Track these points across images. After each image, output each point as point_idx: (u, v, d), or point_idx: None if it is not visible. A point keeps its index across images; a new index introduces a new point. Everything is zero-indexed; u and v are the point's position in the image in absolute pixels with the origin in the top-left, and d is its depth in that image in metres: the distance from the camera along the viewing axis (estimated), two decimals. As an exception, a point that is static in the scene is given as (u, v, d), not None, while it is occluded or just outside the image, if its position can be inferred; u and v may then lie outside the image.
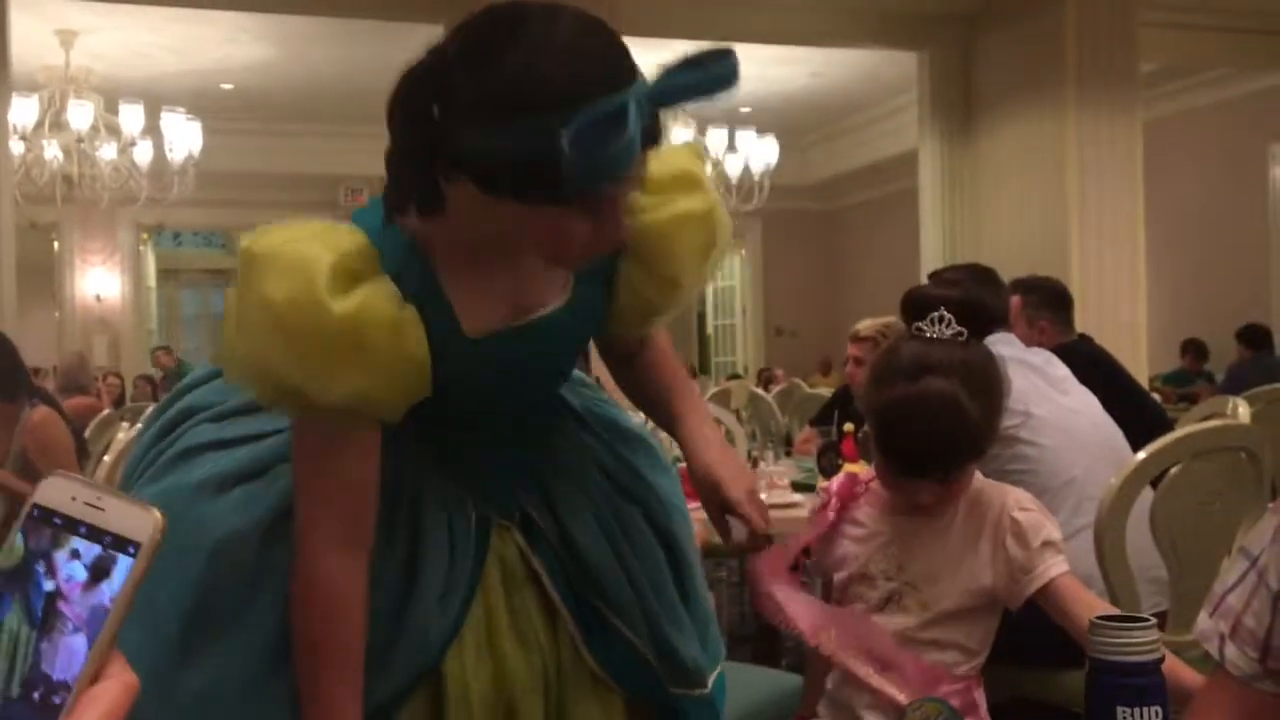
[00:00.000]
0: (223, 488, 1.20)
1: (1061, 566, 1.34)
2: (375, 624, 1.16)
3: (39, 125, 7.26)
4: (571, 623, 1.28)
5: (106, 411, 5.11)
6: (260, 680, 1.14)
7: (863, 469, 1.56)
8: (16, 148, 6.55)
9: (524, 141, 1.02)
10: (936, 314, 1.39)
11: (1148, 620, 0.66)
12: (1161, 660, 0.66)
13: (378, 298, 1.09)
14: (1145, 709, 0.63)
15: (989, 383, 1.38)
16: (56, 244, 11.19)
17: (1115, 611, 0.64)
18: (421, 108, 1.07)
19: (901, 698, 1.32)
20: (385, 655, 1.16)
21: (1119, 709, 0.63)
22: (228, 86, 8.28)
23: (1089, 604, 1.32)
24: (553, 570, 1.29)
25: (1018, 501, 1.39)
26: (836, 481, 1.52)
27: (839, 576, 1.45)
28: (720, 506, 1.31)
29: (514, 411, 1.28)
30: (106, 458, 2.30)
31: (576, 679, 1.27)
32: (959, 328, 1.38)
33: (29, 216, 8.11)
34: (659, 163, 1.19)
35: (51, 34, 7.21)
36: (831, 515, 1.47)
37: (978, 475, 1.44)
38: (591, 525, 1.32)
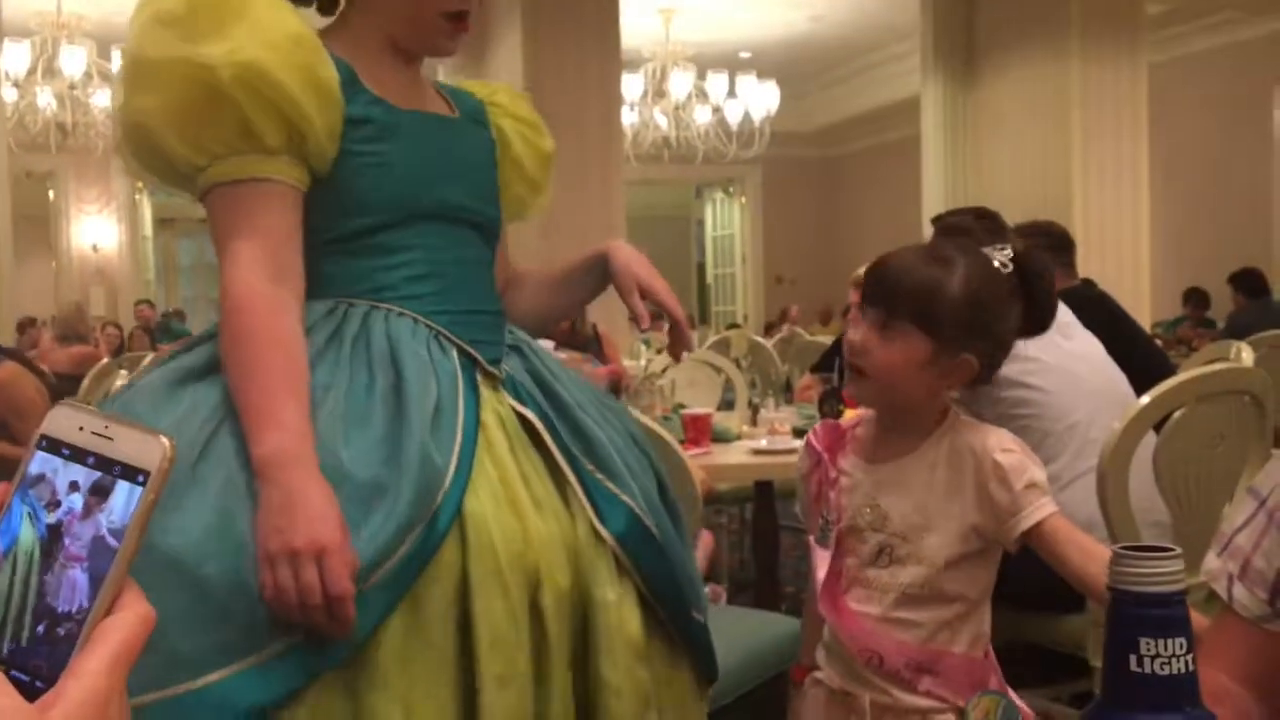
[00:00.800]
0: (182, 382, 1.20)
1: (1049, 508, 1.32)
2: (373, 463, 1.13)
3: (31, 72, 7.19)
4: (580, 491, 1.25)
5: (105, 360, 5.09)
6: (237, 533, 1.09)
7: (860, 413, 1.53)
8: (9, 95, 6.49)
9: None
10: (1005, 253, 1.39)
11: (1171, 550, 0.65)
12: (1186, 592, 0.65)
13: None
14: (1170, 640, 0.61)
15: (989, 300, 1.36)
16: (52, 193, 11.13)
17: (1109, 550, 0.63)
18: None
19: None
20: (396, 493, 1.12)
21: (1142, 640, 0.61)
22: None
23: (1080, 545, 1.30)
24: (550, 427, 1.28)
25: (999, 443, 1.36)
26: (819, 434, 1.49)
27: (837, 527, 1.44)
28: (639, 295, 1.39)
29: (444, 212, 1.31)
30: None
31: (595, 561, 1.23)
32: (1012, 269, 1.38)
33: (24, 165, 8.05)
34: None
35: (42, -21, 7.12)
36: (816, 476, 1.45)
37: (959, 418, 1.42)
38: (576, 394, 1.33)
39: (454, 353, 1.26)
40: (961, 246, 1.39)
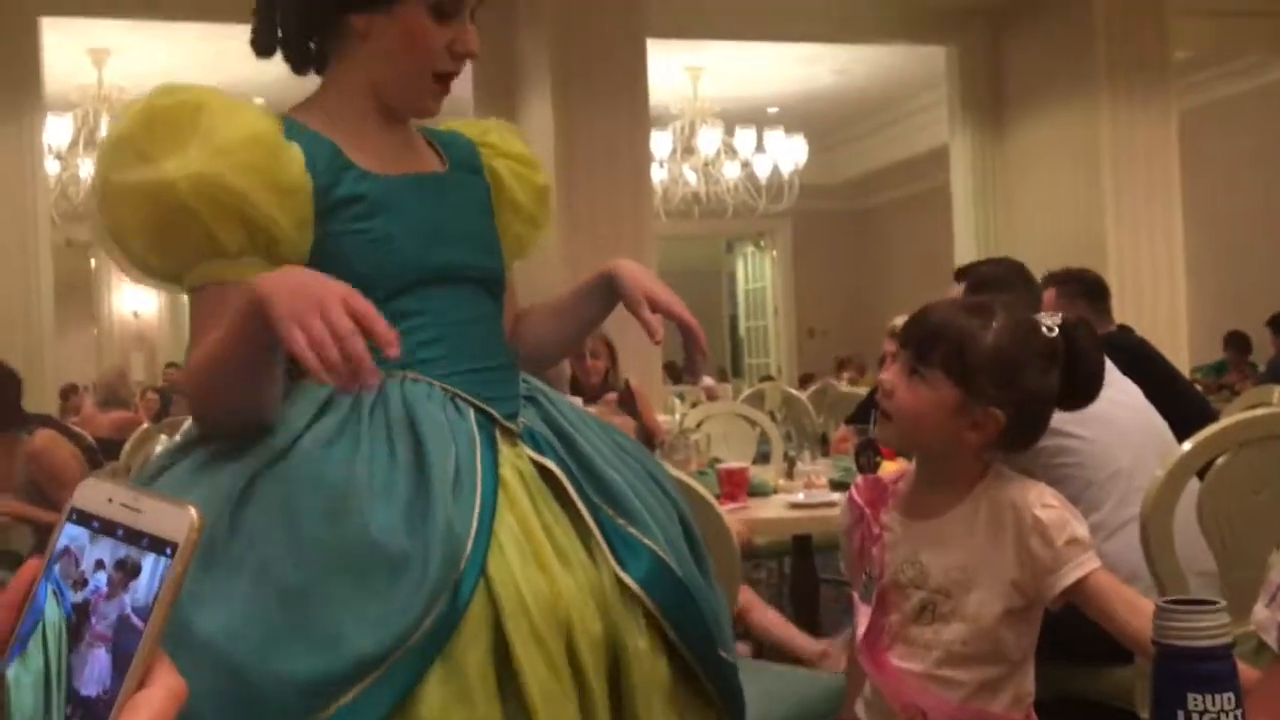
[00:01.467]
0: (206, 466, 1.21)
1: (1091, 564, 1.30)
2: (401, 533, 1.14)
3: (73, 144, 7.35)
4: (603, 540, 1.25)
5: (145, 426, 5.15)
6: (269, 616, 1.10)
7: (899, 466, 1.53)
8: (52, 167, 6.64)
9: None
10: (1055, 318, 1.40)
11: (1216, 603, 0.64)
12: (1233, 645, 0.64)
13: (214, 93, 1.23)
14: (1218, 695, 0.61)
15: (1020, 356, 1.36)
16: (93, 261, 11.32)
17: (1153, 606, 0.62)
18: None
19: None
20: (424, 562, 1.12)
21: (1189, 696, 0.60)
22: (260, 100, 8.34)
23: (1126, 600, 1.29)
24: (570, 475, 1.28)
25: (1039, 498, 1.35)
26: (860, 489, 1.48)
27: (880, 583, 1.43)
28: (649, 308, 1.39)
29: (445, 273, 1.32)
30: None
31: (623, 609, 1.23)
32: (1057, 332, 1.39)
33: (66, 235, 8.21)
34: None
35: (84, 53, 7.30)
36: (859, 532, 1.44)
37: (999, 470, 1.41)
38: (594, 440, 1.33)
39: (470, 413, 1.27)
40: (1005, 303, 1.40)
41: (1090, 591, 1.30)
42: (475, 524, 1.17)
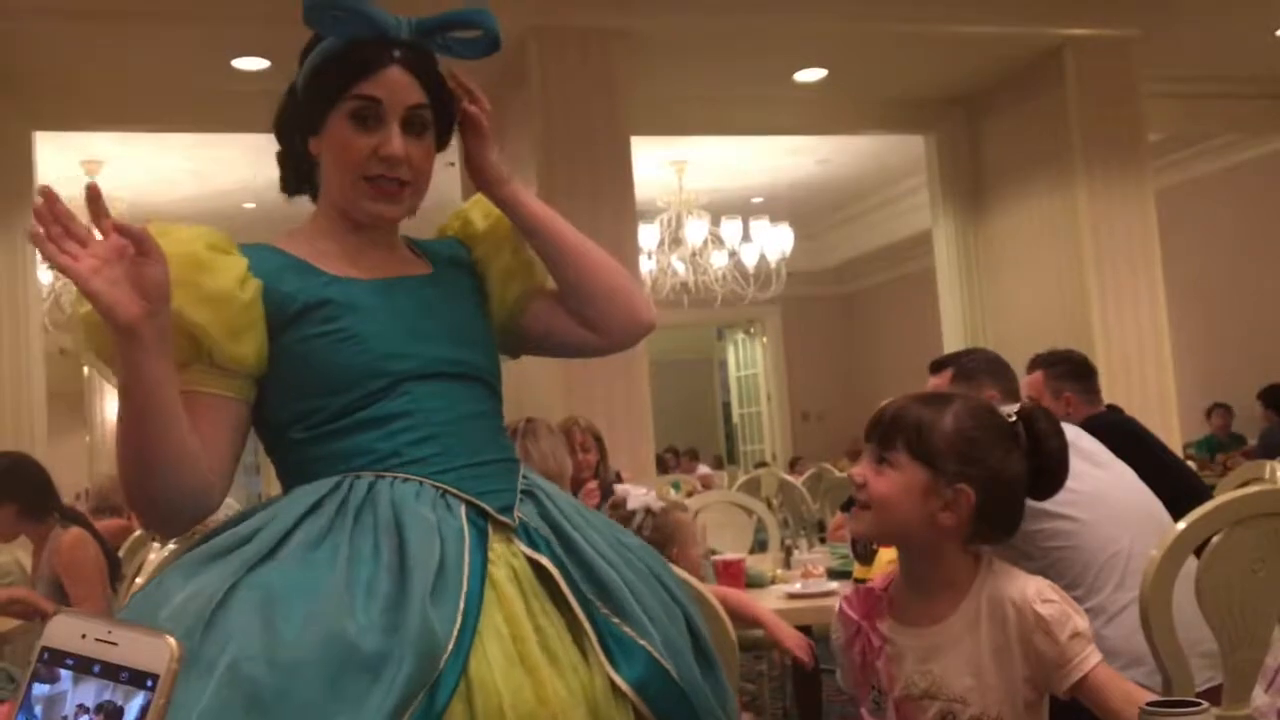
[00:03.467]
0: (194, 570, 1.21)
1: (1094, 658, 1.32)
2: (378, 632, 1.13)
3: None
4: (596, 639, 1.24)
5: (138, 533, 5.11)
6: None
7: (889, 562, 1.53)
8: (45, 276, 6.68)
9: (310, 63, 1.39)
10: (1011, 409, 1.46)
11: (1199, 705, 0.64)
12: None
13: (156, 223, 1.30)
14: (1204, 793, 0.61)
15: (980, 435, 1.39)
16: (86, 369, 11.34)
17: (1153, 697, 0.62)
18: (283, 114, 1.44)
19: None
20: (399, 662, 1.11)
21: (1176, 794, 0.61)
22: (250, 206, 8.46)
23: (1126, 693, 1.29)
24: (565, 573, 1.28)
25: (1039, 593, 1.36)
26: (852, 602, 1.48)
27: (892, 697, 1.42)
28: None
29: (428, 370, 1.34)
30: (139, 579, 2.30)
31: (614, 712, 1.21)
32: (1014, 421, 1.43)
33: (58, 343, 8.23)
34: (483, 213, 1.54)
35: (77, 165, 7.39)
36: (859, 645, 1.44)
37: (991, 564, 1.41)
38: (593, 538, 1.33)
39: (462, 509, 1.28)
40: (960, 394, 1.45)
41: (1090, 685, 1.31)
42: (458, 624, 1.16)
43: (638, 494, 2.70)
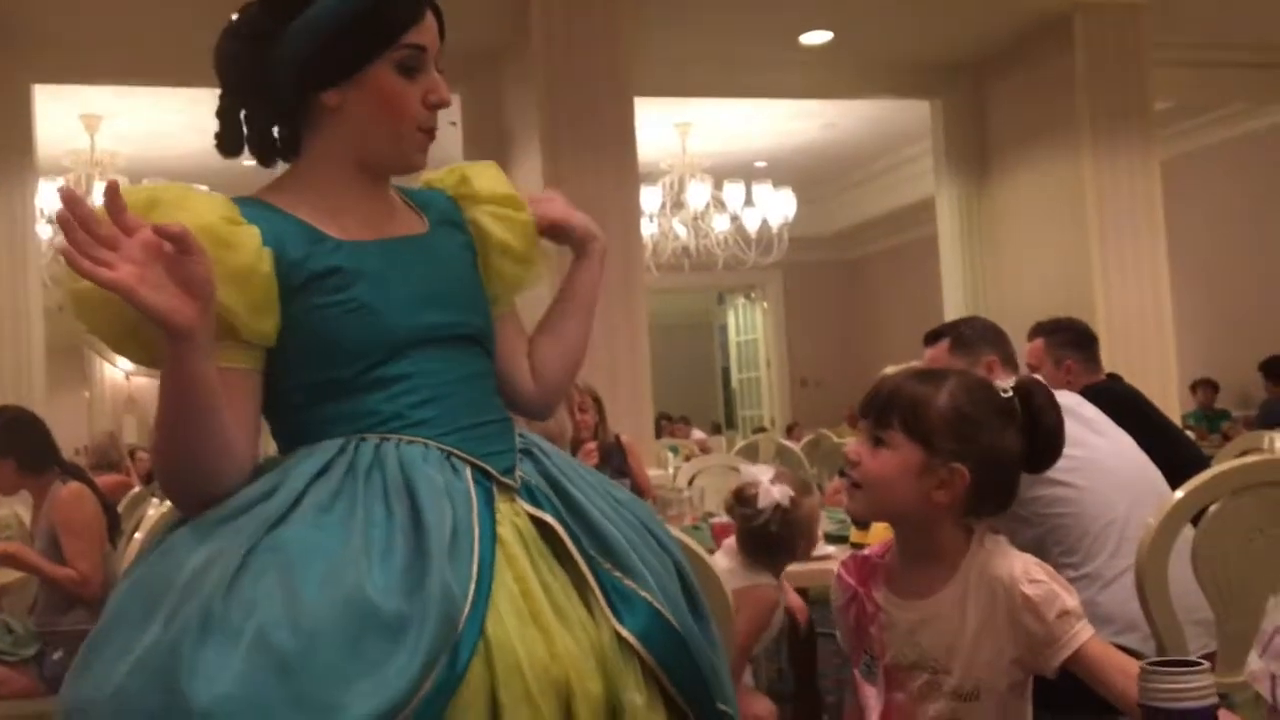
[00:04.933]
0: (207, 533, 1.21)
1: (1085, 633, 1.32)
2: (398, 595, 1.14)
3: (84, 202, 7.37)
4: (600, 594, 1.25)
5: (137, 489, 5.13)
6: (266, 687, 1.08)
7: (886, 527, 1.53)
8: (45, 231, 6.66)
9: (331, 7, 1.28)
10: (1007, 383, 1.45)
11: (1200, 664, 0.64)
12: (1217, 706, 0.64)
13: (168, 189, 1.26)
14: (1203, 755, 0.61)
15: (975, 412, 1.39)
16: (85, 324, 11.32)
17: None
18: (250, 61, 1.33)
19: None
20: (421, 624, 1.12)
21: (1177, 756, 0.60)
22: (249, 162, 8.42)
23: (1119, 665, 1.30)
24: (567, 529, 1.29)
25: (1026, 573, 1.36)
26: (849, 567, 1.49)
27: (882, 663, 1.43)
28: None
29: (431, 335, 1.33)
30: (137, 534, 2.31)
31: (621, 664, 1.22)
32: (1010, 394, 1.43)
33: (58, 299, 8.21)
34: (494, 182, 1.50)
35: (76, 119, 7.35)
36: (853, 610, 1.45)
37: (983, 540, 1.42)
38: (590, 494, 1.34)
39: (467, 470, 1.28)
40: (956, 370, 1.44)
41: (1084, 660, 1.31)
42: (474, 585, 1.17)
43: (768, 489, 2.35)
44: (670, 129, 8.34)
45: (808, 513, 2.42)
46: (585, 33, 5.32)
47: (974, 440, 1.38)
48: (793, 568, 2.90)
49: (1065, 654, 1.31)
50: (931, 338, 2.77)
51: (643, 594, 1.26)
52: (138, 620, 1.15)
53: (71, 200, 1.10)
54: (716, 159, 8.66)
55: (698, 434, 10.45)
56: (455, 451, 1.29)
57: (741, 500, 2.39)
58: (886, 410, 1.39)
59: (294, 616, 1.11)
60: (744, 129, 8.82)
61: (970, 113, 6.87)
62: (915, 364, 3.21)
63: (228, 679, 1.07)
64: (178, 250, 1.13)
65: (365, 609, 1.12)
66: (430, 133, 1.36)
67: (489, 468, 1.30)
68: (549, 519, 1.29)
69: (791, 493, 2.37)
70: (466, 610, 1.15)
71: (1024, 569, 1.36)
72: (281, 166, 1.41)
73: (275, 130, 1.39)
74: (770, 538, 2.36)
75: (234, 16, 1.38)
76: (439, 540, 1.18)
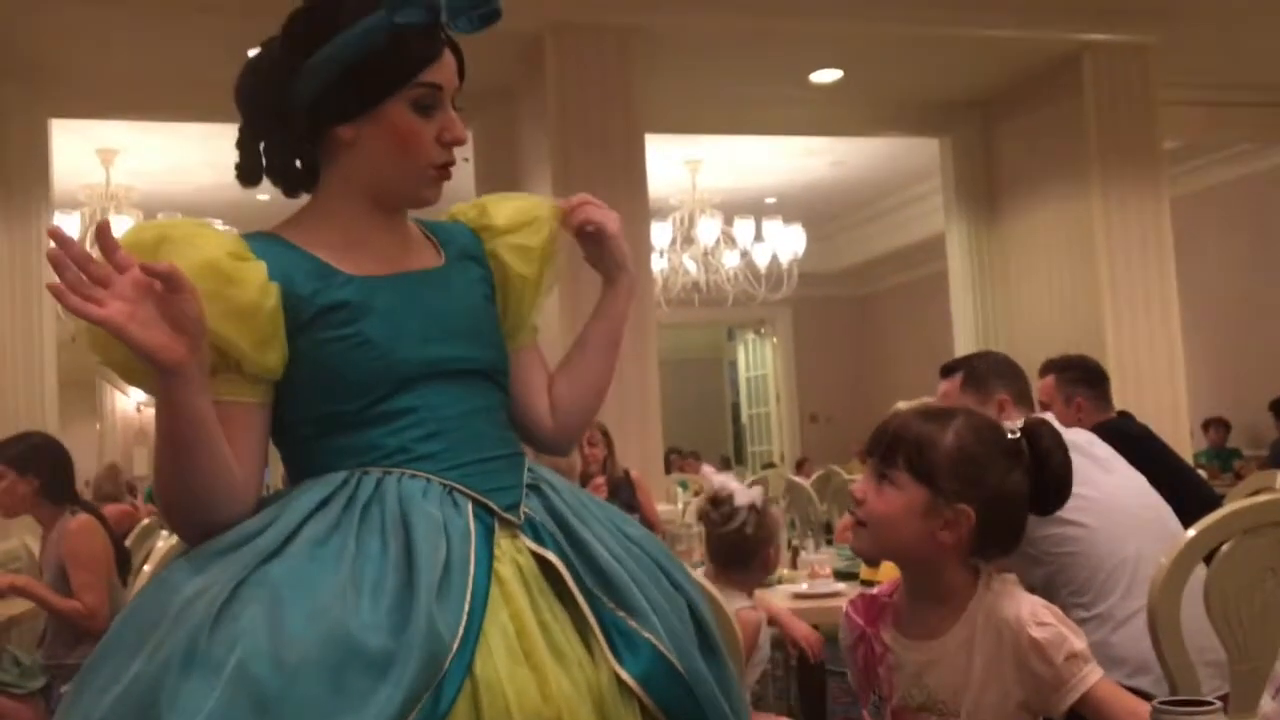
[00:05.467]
0: (201, 565, 1.22)
1: (1093, 676, 1.32)
2: (384, 631, 1.13)
3: (80, 241, 7.42)
4: (601, 635, 1.24)
5: (146, 521, 5.13)
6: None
7: (894, 569, 1.52)
8: (59, 264, 6.69)
9: (350, 44, 1.29)
10: (1015, 425, 1.45)
11: (1212, 704, 0.64)
12: (1230, 744, 0.64)
13: (178, 226, 1.28)
14: (1216, 795, 0.60)
15: (981, 453, 1.38)
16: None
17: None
18: (270, 95, 1.35)
19: None
20: (405, 662, 1.11)
21: (1188, 796, 0.60)
22: (264, 197, 8.47)
23: (1130, 708, 1.29)
24: (570, 567, 1.27)
25: (1034, 615, 1.35)
26: (858, 607, 1.48)
27: (890, 704, 1.43)
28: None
29: (438, 369, 1.33)
30: (146, 567, 2.31)
31: (620, 708, 1.21)
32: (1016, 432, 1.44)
33: (70, 331, 8.26)
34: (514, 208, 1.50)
35: (92, 153, 7.42)
36: (861, 650, 1.44)
37: (990, 582, 1.41)
38: (598, 530, 1.33)
39: (469, 506, 1.28)
40: (964, 409, 1.44)
41: (1093, 702, 1.31)
42: (463, 623, 1.16)
43: (742, 490, 2.51)
44: (681, 165, 8.38)
45: (775, 518, 2.55)
46: (598, 71, 5.37)
47: (979, 481, 1.37)
48: (803, 604, 2.89)
49: (1073, 697, 1.30)
50: (946, 371, 2.77)
51: (646, 635, 1.25)
52: (129, 650, 1.15)
53: (62, 239, 1.13)
54: (727, 195, 8.70)
55: (706, 469, 10.42)
56: (457, 487, 1.29)
57: (717, 503, 2.49)
58: (892, 449, 1.39)
59: (277, 650, 1.10)
60: (754, 166, 8.86)
61: (980, 151, 6.90)
62: (927, 400, 3.21)
63: (205, 712, 1.07)
64: (166, 288, 1.15)
65: (349, 644, 1.11)
66: (444, 169, 1.37)
67: (491, 503, 1.29)
68: (551, 556, 1.28)
69: (762, 495, 2.51)
70: (454, 649, 1.14)
71: (1031, 611, 1.36)
72: (304, 197, 1.42)
73: (296, 162, 1.40)
74: (746, 541, 2.44)
75: (255, 50, 1.40)
76: (429, 577, 1.17)
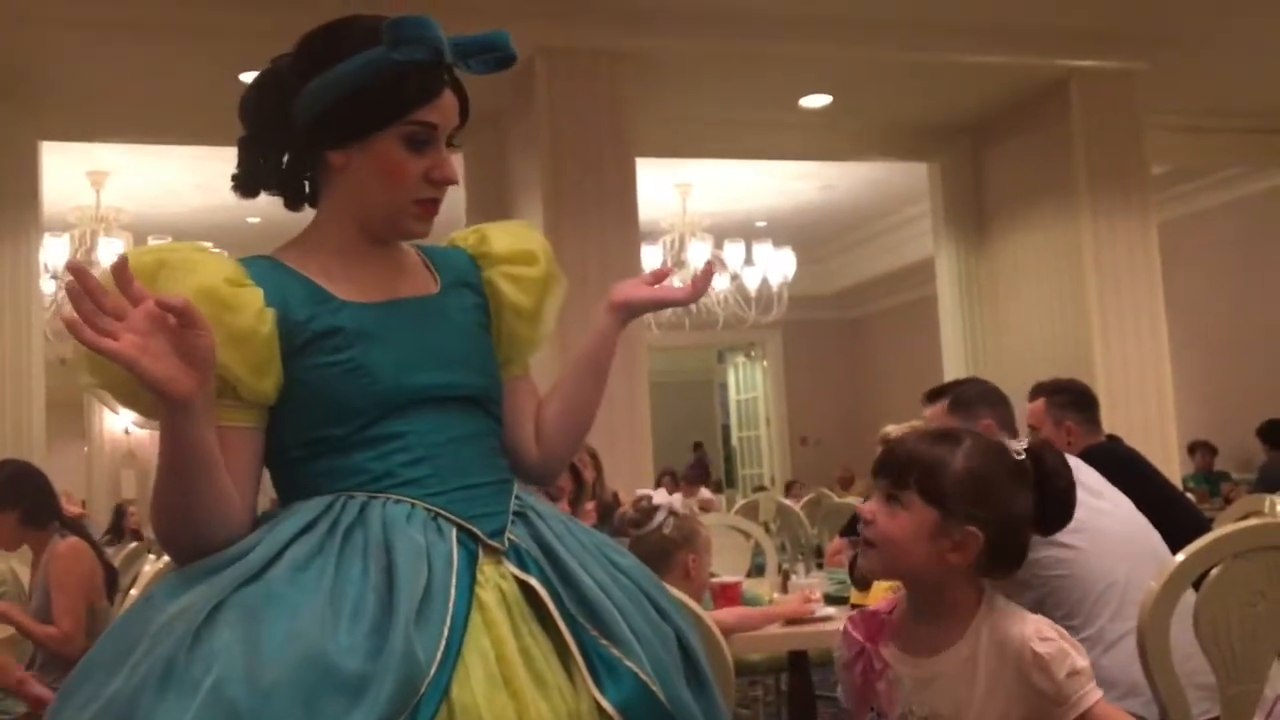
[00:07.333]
0: (182, 586, 1.22)
1: (1094, 695, 1.33)
2: (361, 655, 1.13)
3: (90, 269, 7.41)
4: (583, 663, 1.24)
5: (133, 545, 5.11)
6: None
7: (886, 589, 1.53)
8: (48, 286, 6.69)
9: (348, 74, 1.31)
10: (1020, 445, 1.46)
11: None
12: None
13: (176, 250, 1.29)
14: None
15: (991, 475, 1.39)
16: (86, 379, 11.31)
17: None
18: (271, 111, 1.36)
19: None
20: (380, 686, 1.11)
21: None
22: (254, 220, 8.48)
23: None
24: (554, 594, 1.27)
25: (1037, 632, 1.36)
26: (857, 623, 1.48)
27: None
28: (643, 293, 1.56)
29: (428, 395, 1.33)
30: (133, 591, 2.29)
31: None
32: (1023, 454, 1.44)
33: (59, 353, 8.23)
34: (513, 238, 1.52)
35: (82, 175, 7.42)
36: (860, 666, 1.44)
37: (993, 600, 1.41)
38: (584, 558, 1.33)
39: (452, 532, 1.28)
40: (971, 431, 1.44)
41: None
42: (441, 648, 1.16)
43: (663, 494, 2.69)
44: (671, 189, 8.42)
45: (697, 528, 2.67)
46: (588, 95, 5.40)
47: (989, 504, 1.38)
48: (793, 629, 2.88)
49: (1074, 714, 1.31)
50: (931, 396, 2.78)
51: (628, 664, 1.24)
52: (109, 667, 1.16)
53: (80, 272, 1.14)
54: (717, 218, 8.73)
55: (705, 493, 10.41)
56: (442, 512, 1.29)
57: (636, 506, 2.66)
58: (903, 471, 1.40)
59: (252, 672, 1.11)
60: (744, 189, 8.90)
61: (968, 175, 6.94)
62: (916, 423, 3.22)
63: None
64: (180, 323, 1.15)
65: (325, 667, 1.11)
66: (429, 204, 1.38)
67: (476, 529, 1.29)
68: (534, 583, 1.28)
69: (685, 508, 2.68)
70: (431, 673, 1.14)
71: (1035, 628, 1.37)
72: (307, 212, 1.44)
73: (296, 178, 1.42)
74: (664, 542, 2.59)
75: (247, 74, 1.41)
76: (409, 602, 1.17)
